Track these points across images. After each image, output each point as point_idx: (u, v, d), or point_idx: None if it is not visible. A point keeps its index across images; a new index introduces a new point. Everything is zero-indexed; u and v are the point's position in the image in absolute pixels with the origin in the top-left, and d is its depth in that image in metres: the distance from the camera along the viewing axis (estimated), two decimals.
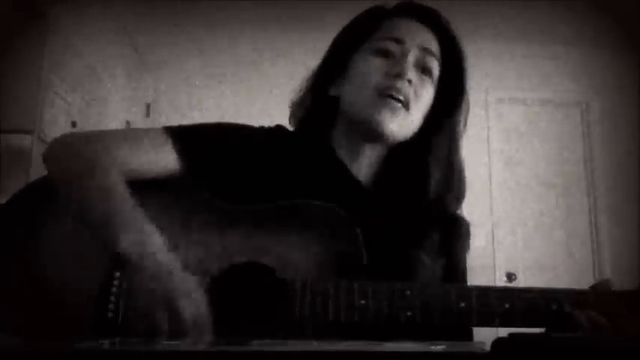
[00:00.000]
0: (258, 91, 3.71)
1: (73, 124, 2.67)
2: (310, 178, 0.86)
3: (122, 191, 0.76)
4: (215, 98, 3.71)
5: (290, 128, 0.96)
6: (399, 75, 0.84)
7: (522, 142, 3.90)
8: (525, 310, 0.70)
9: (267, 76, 3.75)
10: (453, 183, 0.89)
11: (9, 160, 2.13)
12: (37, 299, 0.73)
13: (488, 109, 3.84)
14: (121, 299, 0.73)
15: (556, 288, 0.72)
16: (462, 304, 0.70)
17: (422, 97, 0.86)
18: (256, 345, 0.53)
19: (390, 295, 0.70)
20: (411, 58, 0.86)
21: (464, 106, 0.91)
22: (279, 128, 0.93)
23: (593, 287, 0.73)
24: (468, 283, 0.90)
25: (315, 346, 0.60)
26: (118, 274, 0.74)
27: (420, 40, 0.87)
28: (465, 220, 0.92)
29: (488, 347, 0.49)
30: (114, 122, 3.25)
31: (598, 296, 0.71)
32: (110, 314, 0.72)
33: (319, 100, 0.93)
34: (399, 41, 0.86)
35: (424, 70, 0.87)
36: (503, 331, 0.50)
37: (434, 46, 0.88)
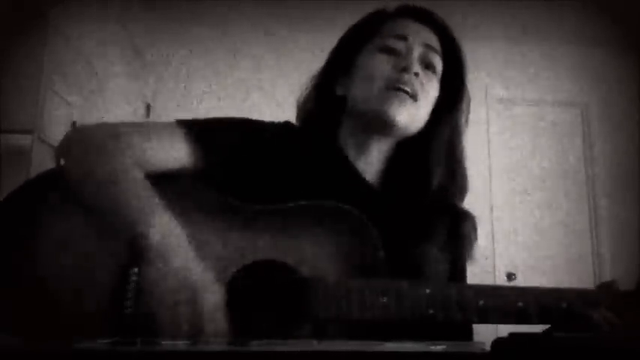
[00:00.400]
0: (259, 91, 3.71)
1: (73, 124, 2.67)
2: (317, 176, 0.87)
3: (139, 177, 0.76)
4: (215, 99, 3.70)
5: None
6: (406, 69, 0.87)
7: (522, 141, 3.89)
8: (538, 308, 0.73)
9: (268, 76, 3.75)
10: (457, 175, 0.92)
11: (9, 160, 2.13)
12: (41, 298, 0.72)
13: (489, 108, 3.84)
14: (140, 294, 0.71)
15: (565, 287, 0.75)
16: (481, 302, 0.72)
17: (428, 91, 0.89)
18: (256, 345, 0.53)
19: (411, 293, 0.71)
20: (416, 53, 0.89)
21: (465, 100, 0.94)
22: (287, 124, 0.94)
23: (600, 287, 0.75)
24: (468, 283, 0.90)
25: (315, 346, 0.59)
26: (135, 269, 0.72)
27: (422, 38, 0.90)
28: (471, 214, 0.94)
29: (488, 347, 0.49)
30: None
31: (607, 296, 0.73)
32: (128, 310, 0.71)
33: (325, 99, 0.95)
34: (403, 38, 0.90)
35: (428, 65, 0.90)
36: (503, 331, 0.50)
37: (435, 43, 0.92)
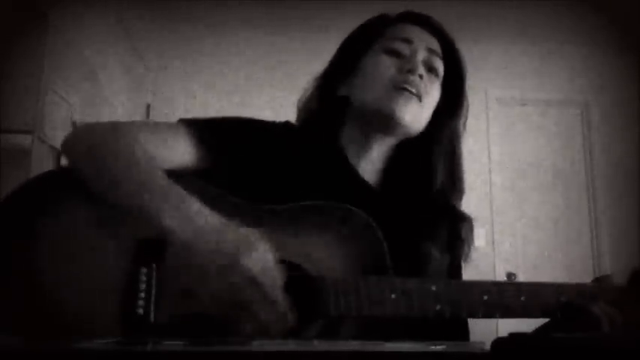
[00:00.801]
0: (260, 92, 3.71)
1: (73, 124, 2.67)
2: (317, 176, 0.88)
3: (152, 165, 0.76)
4: (215, 99, 3.71)
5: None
6: (412, 70, 0.89)
7: (522, 142, 3.89)
8: (540, 302, 0.75)
9: (268, 77, 3.75)
10: (456, 178, 0.94)
11: (9, 160, 2.13)
12: (43, 299, 0.72)
13: (488, 109, 3.84)
14: (153, 293, 0.71)
15: (565, 282, 0.78)
16: (485, 297, 0.74)
17: (431, 93, 0.92)
18: (256, 345, 0.53)
19: (419, 290, 0.73)
20: (420, 57, 0.91)
21: (465, 105, 0.97)
22: (287, 124, 0.95)
23: (595, 281, 0.78)
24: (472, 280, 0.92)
25: (315, 346, 0.60)
26: (144, 269, 0.71)
27: (426, 42, 0.93)
28: (469, 217, 0.96)
29: (488, 347, 0.49)
30: None
31: (603, 290, 0.76)
32: (140, 310, 0.70)
33: (328, 100, 0.96)
34: (408, 41, 0.92)
35: (431, 69, 0.92)
36: (503, 331, 0.50)
37: (437, 48, 0.94)
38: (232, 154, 0.85)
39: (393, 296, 0.72)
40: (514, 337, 0.48)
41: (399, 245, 0.80)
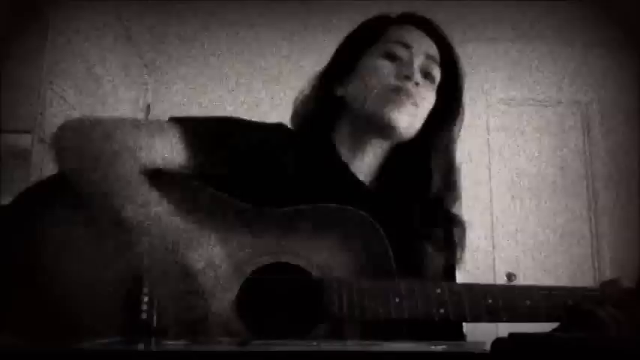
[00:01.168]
0: (259, 92, 3.71)
1: None
2: (311, 176, 0.87)
3: (130, 164, 0.77)
4: (215, 99, 3.70)
5: (289, 126, 0.98)
6: (408, 77, 0.89)
7: (522, 142, 3.89)
8: (545, 306, 0.75)
9: (268, 77, 3.75)
10: (451, 182, 0.95)
11: (9, 160, 2.13)
12: (45, 302, 0.72)
13: (488, 109, 3.84)
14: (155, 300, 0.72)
15: (571, 286, 0.77)
16: (490, 301, 0.73)
17: (426, 99, 0.92)
18: (256, 345, 0.53)
19: (423, 293, 0.73)
20: (418, 63, 0.91)
21: (461, 111, 0.97)
22: (281, 125, 0.95)
23: (603, 284, 0.77)
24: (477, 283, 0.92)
25: (315, 346, 0.60)
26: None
27: (425, 47, 0.93)
28: (463, 220, 0.96)
29: (488, 347, 0.49)
30: None
31: (611, 293, 0.75)
32: (144, 315, 0.71)
33: (325, 100, 0.95)
34: (406, 46, 0.92)
35: (427, 75, 0.93)
36: (503, 331, 0.50)
37: (436, 53, 0.94)
38: (223, 154, 0.85)
39: (396, 300, 0.72)
40: (514, 337, 0.48)
41: (394, 245, 0.80)
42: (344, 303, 0.72)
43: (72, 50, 2.64)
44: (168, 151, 0.82)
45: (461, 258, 0.94)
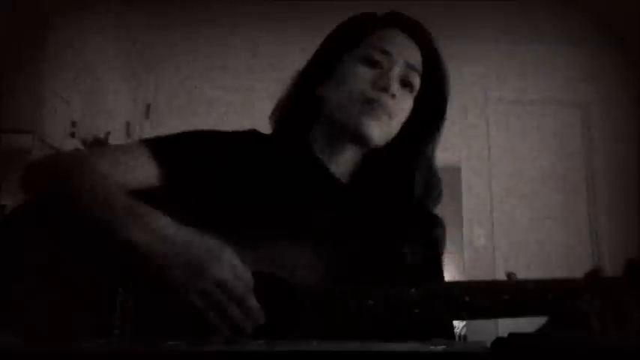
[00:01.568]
0: (258, 92, 3.71)
1: (73, 124, 2.68)
2: (289, 177, 0.87)
3: (113, 186, 0.77)
4: (215, 99, 3.71)
5: (265, 129, 0.98)
6: (385, 89, 0.87)
7: (522, 141, 3.89)
8: (524, 300, 0.73)
9: (267, 77, 3.75)
10: (432, 187, 0.94)
11: (9, 160, 2.13)
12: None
13: (488, 109, 3.84)
14: (128, 314, 0.72)
15: (550, 278, 0.75)
16: (467, 298, 0.72)
17: (402, 109, 0.91)
18: (256, 345, 0.53)
19: (397, 294, 0.72)
20: (396, 71, 0.89)
21: (444, 118, 0.96)
22: (253, 131, 0.95)
23: (586, 275, 0.76)
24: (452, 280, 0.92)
25: (314, 346, 0.59)
26: (120, 289, 0.72)
27: (406, 55, 0.90)
28: (442, 220, 0.95)
29: (488, 347, 0.49)
30: (114, 122, 3.25)
31: (593, 283, 0.74)
32: (116, 331, 0.70)
33: (304, 99, 0.94)
34: (387, 53, 0.90)
35: (406, 84, 0.90)
36: (504, 331, 0.50)
37: (418, 61, 0.92)
38: (193, 168, 0.85)
39: (370, 302, 0.72)
40: (514, 337, 0.48)
41: (371, 244, 0.81)
42: (316, 308, 0.72)
43: (72, 51, 2.64)
44: (143, 173, 0.83)
45: (441, 258, 0.93)
